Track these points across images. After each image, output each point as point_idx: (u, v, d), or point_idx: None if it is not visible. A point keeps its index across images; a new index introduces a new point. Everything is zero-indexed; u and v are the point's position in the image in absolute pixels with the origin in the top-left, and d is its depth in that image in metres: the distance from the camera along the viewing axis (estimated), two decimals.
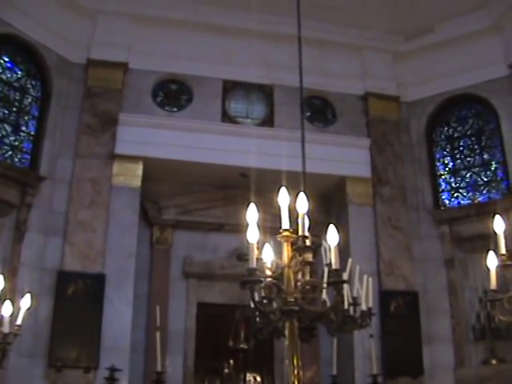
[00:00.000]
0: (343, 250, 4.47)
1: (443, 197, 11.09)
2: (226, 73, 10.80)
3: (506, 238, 4.38)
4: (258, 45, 10.78)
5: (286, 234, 3.79)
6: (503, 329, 9.83)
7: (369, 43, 11.42)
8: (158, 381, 7.88)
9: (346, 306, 5.43)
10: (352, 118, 11.17)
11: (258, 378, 10.26)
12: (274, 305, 3.87)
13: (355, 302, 5.56)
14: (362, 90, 11.31)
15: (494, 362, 9.84)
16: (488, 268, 4.45)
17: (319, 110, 11.27)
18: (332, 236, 3.92)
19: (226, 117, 10.68)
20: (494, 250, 4.48)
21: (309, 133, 8.61)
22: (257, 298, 3.94)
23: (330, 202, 10.96)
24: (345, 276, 4.90)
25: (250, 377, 10.18)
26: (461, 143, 11.31)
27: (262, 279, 3.81)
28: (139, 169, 9.88)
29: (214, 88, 10.70)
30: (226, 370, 10.11)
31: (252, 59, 10.81)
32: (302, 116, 7.83)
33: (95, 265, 9.15)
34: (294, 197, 3.86)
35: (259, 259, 3.92)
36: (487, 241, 5.64)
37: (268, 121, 10.83)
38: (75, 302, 8.89)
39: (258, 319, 5.05)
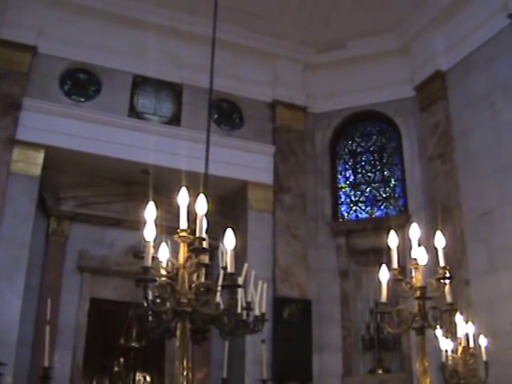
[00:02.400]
0: (240, 255, 4.50)
1: (342, 209, 11.34)
2: (137, 67, 10.65)
3: (399, 253, 4.50)
4: (172, 42, 10.73)
5: (184, 234, 3.77)
6: (390, 340, 10.15)
7: (282, 52, 11.55)
8: (45, 376, 7.63)
9: (239, 310, 5.44)
10: (259, 125, 11.27)
11: (148, 378, 10.17)
12: (168, 305, 3.83)
13: (249, 307, 5.57)
14: (270, 97, 11.43)
15: (380, 371, 10.15)
16: (380, 281, 4.56)
17: (227, 114, 11.30)
18: (229, 239, 3.93)
19: (133, 112, 10.54)
20: (386, 264, 4.60)
21: (215, 135, 8.62)
22: (150, 297, 3.90)
23: (230, 205, 11.02)
24: (240, 280, 4.92)
25: (139, 376, 10.08)
26: (363, 158, 11.60)
27: (157, 278, 3.78)
28: (40, 157, 9.60)
29: (124, 82, 10.55)
30: (116, 369, 9.97)
31: (164, 56, 10.73)
32: (209, 118, 7.83)
33: None
34: (195, 198, 3.85)
35: (155, 258, 3.88)
36: (381, 255, 5.81)
37: (175, 120, 10.76)
38: None
39: (150, 318, 5.00)
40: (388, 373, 10.18)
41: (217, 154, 7.91)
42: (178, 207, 3.83)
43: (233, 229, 4.05)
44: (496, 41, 9.65)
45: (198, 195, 3.84)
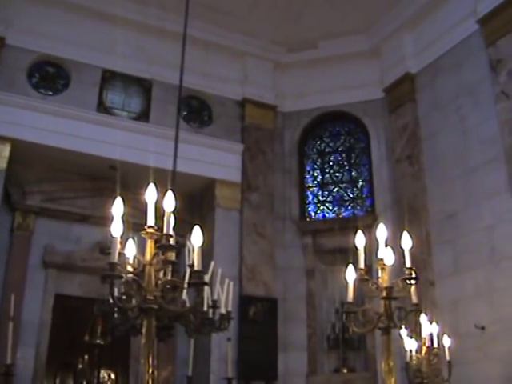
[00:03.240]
0: (207, 253, 4.48)
1: (309, 208, 11.38)
2: (107, 62, 10.55)
3: (365, 253, 4.52)
4: (142, 38, 10.67)
5: (151, 230, 3.75)
6: (356, 340, 10.22)
7: (252, 50, 11.56)
8: (7, 373, 7.54)
9: (205, 308, 5.43)
10: (228, 122, 11.26)
11: (113, 376, 10.10)
12: (133, 302, 3.80)
13: (215, 305, 5.56)
14: (240, 95, 11.43)
15: (344, 371, 10.23)
16: (346, 281, 4.58)
17: (196, 111, 11.27)
18: (196, 237, 3.92)
19: (102, 107, 10.45)
20: (353, 264, 4.62)
21: (183, 132, 8.58)
22: (116, 294, 3.87)
23: (198, 203, 10.98)
24: (206, 278, 4.90)
25: (104, 374, 10.00)
26: (331, 158, 11.66)
27: (123, 275, 3.75)
28: (6, 150, 9.45)
29: (93, 76, 10.44)
30: (80, 366, 9.88)
31: (134, 51, 10.66)
32: (178, 114, 7.78)
33: None
34: (162, 195, 3.83)
35: (121, 254, 3.85)
36: (347, 255, 5.83)
37: (144, 116, 10.69)
38: None
39: (116, 315, 4.97)
40: (353, 372, 10.25)
41: (185, 151, 7.90)
42: (146, 204, 3.81)
43: (200, 226, 4.03)
44: (465, 46, 9.76)
45: (165, 192, 3.82)
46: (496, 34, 9.08)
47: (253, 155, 11.10)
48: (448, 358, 7.03)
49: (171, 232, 3.76)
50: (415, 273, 4.41)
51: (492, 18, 9.18)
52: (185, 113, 11.03)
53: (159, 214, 3.79)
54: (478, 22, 9.41)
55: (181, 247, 4.78)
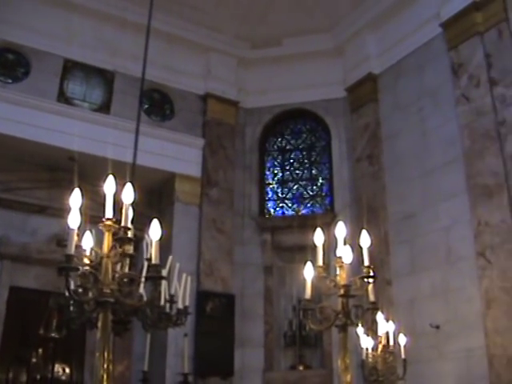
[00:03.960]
0: (165, 247, 4.45)
1: (269, 205, 11.40)
2: (69, 52, 10.36)
3: (324, 251, 4.54)
4: (106, 29, 10.54)
5: (109, 223, 3.71)
6: (312, 337, 10.28)
7: (216, 45, 11.51)
8: None
9: (162, 303, 5.40)
10: (189, 117, 11.20)
11: (67, 370, 9.98)
12: (90, 295, 3.76)
13: (172, 300, 5.54)
14: (203, 90, 11.38)
15: (300, 367, 10.27)
16: (304, 278, 4.59)
17: (158, 104, 11.18)
18: (154, 231, 3.89)
19: (63, 97, 10.27)
20: (311, 262, 4.63)
21: (144, 125, 8.55)
22: (72, 287, 3.81)
23: (157, 197, 10.89)
24: (164, 272, 4.87)
25: (58, 368, 9.89)
26: (292, 156, 11.69)
27: (79, 267, 3.70)
28: None
29: (54, 65, 10.25)
30: (34, 360, 9.76)
31: (97, 42, 10.52)
32: (139, 107, 7.71)
33: None
34: (121, 187, 3.78)
35: (78, 246, 3.80)
36: (306, 252, 5.86)
37: (105, 107, 10.56)
38: None
39: (71, 308, 4.90)
40: (309, 369, 10.30)
41: (146, 144, 7.85)
42: (104, 196, 3.77)
43: (159, 220, 4.00)
44: (427, 48, 9.87)
45: (124, 185, 3.78)
46: (458, 38, 9.19)
47: (213, 150, 11.07)
48: (403, 356, 7.11)
49: (129, 225, 3.73)
50: (373, 271, 4.45)
51: (455, 23, 9.29)
52: (146, 106, 10.94)
53: (118, 206, 3.75)
54: (441, 26, 9.51)
55: (139, 241, 4.72)
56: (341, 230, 4.51)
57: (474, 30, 8.98)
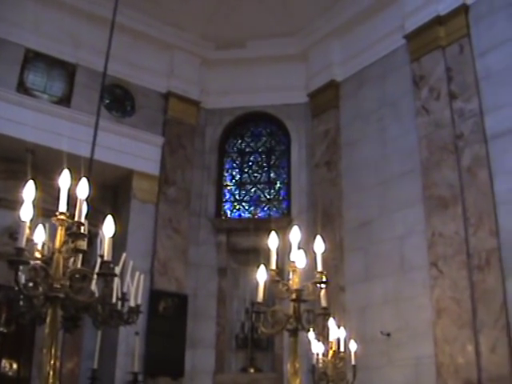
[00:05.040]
0: (120, 244, 4.42)
1: (225, 207, 11.39)
2: (31, 41, 10.15)
3: (278, 255, 4.54)
4: (70, 21, 10.36)
5: (62, 217, 3.65)
6: (264, 340, 10.29)
7: (181, 44, 11.47)
8: None
9: (114, 300, 5.35)
10: (150, 114, 11.13)
11: (15, 366, 9.81)
12: (40, 289, 3.70)
13: (124, 297, 5.50)
14: (165, 88, 11.32)
15: (251, 370, 10.27)
16: (257, 281, 4.59)
17: (119, 100, 11.06)
18: (108, 227, 3.85)
19: (22, 88, 10.08)
20: (265, 265, 4.63)
21: (104, 120, 8.49)
22: (22, 281, 3.75)
23: (113, 193, 10.80)
24: (117, 270, 4.83)
25: (5, 363, 9.72)
26: (251, 158, 11.70)
27: (30, 261, 3.64)
28: None
29: (15, 55, 10.03)
30: None
31: (60, 33, 10.36)
32: (99, 102, 7.64)
33: None
34: (77, 182, 3.73)
35: (30, 240, 3.74)
36: (260, 255, 5.85)
37: (65, 100, 10.41)
38: None
39: (21, 303, 4.84)
40: (259, 372, 10.31)
41: (104, 140, 7.78)
42: (59, 190, 3.71)
43: (113, 217, 3.96)
44: (390, 59, 9.98)
45: (80, 179, 3.73)
46: (420, 50, 9.32)
47: (173, 149, 11.02)
48: (353, 362, 7.15)
49: (83, 220, 3.68)
50: (326, 277, 4.46)
51: (418, 35, 9.41)
52: (107, 101, 10.82)
53: (72, 201, 3.70)
54: (405, 38, 9.63)
55: (93, 237, 4.67)
56: (295, 234, 4.51)
57: (437, 43, 9.11)
